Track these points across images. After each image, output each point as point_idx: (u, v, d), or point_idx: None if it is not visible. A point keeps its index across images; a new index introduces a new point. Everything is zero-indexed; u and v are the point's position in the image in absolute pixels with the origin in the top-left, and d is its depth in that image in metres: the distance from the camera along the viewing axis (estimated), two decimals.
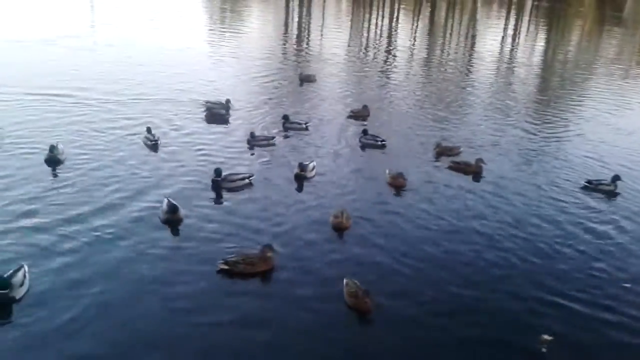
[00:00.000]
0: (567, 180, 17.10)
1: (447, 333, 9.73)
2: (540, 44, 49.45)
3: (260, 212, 13.38)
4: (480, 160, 16.84)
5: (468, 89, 29.03)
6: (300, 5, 61.62)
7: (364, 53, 37.18)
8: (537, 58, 41.81)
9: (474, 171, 16.71)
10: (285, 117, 19.61)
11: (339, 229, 12.68)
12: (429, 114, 23.13)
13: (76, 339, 8.85)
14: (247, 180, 14.62)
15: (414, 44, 42.99)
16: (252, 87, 24.82)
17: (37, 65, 25.44)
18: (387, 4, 68.58)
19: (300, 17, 53.59)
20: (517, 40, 49.54)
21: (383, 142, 18.54)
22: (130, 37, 34.39)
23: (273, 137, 18.13)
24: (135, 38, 34.19)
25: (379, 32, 48.42)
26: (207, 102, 20.96)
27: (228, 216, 13.04)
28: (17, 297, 9.49)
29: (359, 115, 21.53)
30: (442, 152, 17.95)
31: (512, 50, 44.26)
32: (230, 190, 14.28)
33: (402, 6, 68.73)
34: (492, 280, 11.38)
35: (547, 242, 13.08)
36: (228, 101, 20.72)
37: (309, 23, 50.81)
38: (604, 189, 16.20)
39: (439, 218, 13.86)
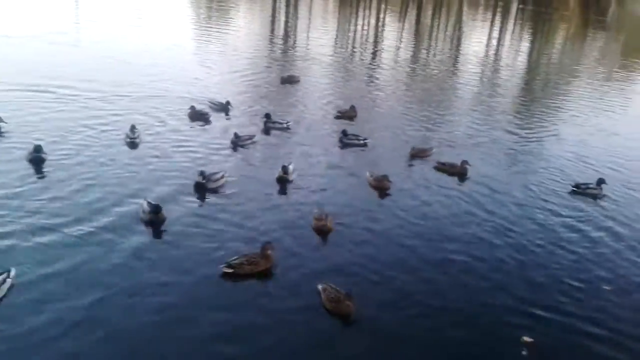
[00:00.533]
0: (553, 180, 17.28)
1: (430, 335, 9.72)
2: (525, 46, 49.86)
3: (243, 214, 13.15)
4: (465, 162, 16.83)
5: (454, 89, 29.21)
6: (287, 5, 61.51)
7: (350, 53, 37.20)
8: (521, 60, 42.14)
9: (459, 172, 16.72)
10: (267, 116, 19.48)
11: (322, 232, 12.54)
12: (414, 115, 23.19)
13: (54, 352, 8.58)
14: (225, 177, 14.46)
15: (400, 45, 43.10)
16: (236, 87, 24.65)
17: (21, 61, 25.04)
18: (374, 5, 68.72)
19: (287, 17, 53.49)
20: (502, 43, 49.91)
21: (365, 141, 18.52)
22: (115, 34, 34.06)
23: (254, 136, 17.99)
24: (120, 35, 33.86)
25: (365, 32, 48.49)
26: (210, 101, 20.89)
27: (211, 220, 12.78)
28: None
29: (346, 115, 21.49)
30: (415, 154, 17.86)
31: (497, 52, 44.59)
32: (213, 191, 14.08)
33: (388, 7, 68.90)
34: (477, 283, 11.39)
35: (534, 245, 13.12)
36: (228, 102, 20.63)
37: (296, 22, 50.74)
38: (591, 192, 16.23)
39: (424, 220, 13.82)
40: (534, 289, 11.31)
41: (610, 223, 14.79)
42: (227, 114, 20.42)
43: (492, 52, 44.49)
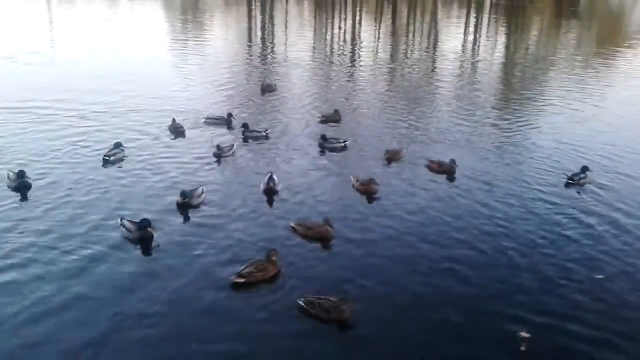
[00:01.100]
0: (542, 170, 17.33)
1: (427, 332, 9.62)
2: (502, 40, 50.31)
3: (232, 229, 12.71)
4: (453, 161, 16.60)
5: (434, 87, 29.30)
6: (263, 12, 61.53)
7: (329, 57, 37.21)
8: (499, 54, 42.47)
9: (448, 171, 16.55)
10: (245, 126, 19.29)
11: (326, 239, 12.39)
12: (397, 115, 23.15)
13: None
14: (205, 192, 14.10)
15: (377, 46, 43.23)
16: (214, 98, 24.39)
17: None
18: (350, 8, 68.98)
19: (263, 24, 53.47)
20: (478, 38, 50.29)
21: (345, 144, 18.48)
22: (91, 51, 33.73)
23: (233, 146, 17.79)
24: (96, 52, 33.55)
25: (342, 35, 48.58)
26: (208, 117, 20.69)
27: (201, 236, 12.38)
28: None
29: (331, 119, 21.40)
30: (391, 157, 17.55)
31: (474, 47, 44.88)
32: (197, 207, 13.70)
33: (364, 9, 69.22)
34: (475, 279, 11.25)
35: (536, 240, 12.94)
36: (230, 115, 20.38)
37: (272, 29, 50.73)
38: (582, 182, 16.19)
39: (418, 223, 13.52)
40: (536, 285, 11.18)
41: (605, 210, 14.73)
42: (230, 128, 20.18)
43: (469, 47, 44.78)
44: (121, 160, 16.55)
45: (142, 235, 11.90)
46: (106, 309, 9.85)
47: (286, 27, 52.11)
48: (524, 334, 9.35)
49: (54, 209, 13.36)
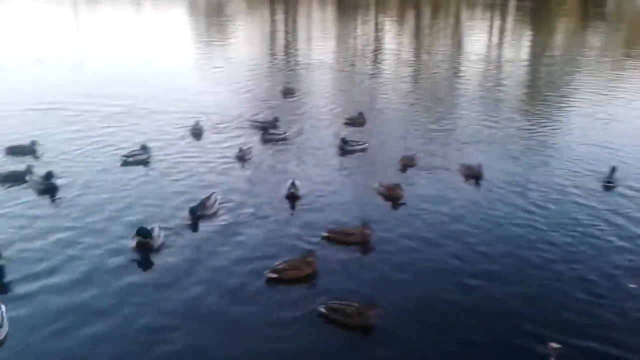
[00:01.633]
0: (572, 171, 17.04)
1: (452, 340, 9.35)
2: (527, 42, 49.63)
3: (255, 236, 12.56)
4: (479, 165, 16.21)
5: (459, 90, 28.93)
6: (286, 16, 61.67)
7: (352, 60, 37.08)
8: (524, 56, 41.85)
9: (476, 175, 16.08)
10: (265, 128, 19.26)
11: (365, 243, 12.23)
12: (422, 117, 22.94)
13: None
14: (216, 199, 13.62)
15: (400, 50, 42.93)
16: (236, 101, 24.44)
17: (26, 83, 25.26)
18: (372, 11, 68.75)
19: (286, 27, 53.59)
20: (503, 40, 49.70)
21: (365, 146, 18.40)
22: (116, 53, 34.28)
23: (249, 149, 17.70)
24: (121, 55, 34.06)
25: (365, 39, 48.38)
26: (254, 121, 20.73)
27: (214, 244, 12.14)
28: None
29: (355, 122, 21.24)
30: (406, 163, 17.07)
31: (498, 50, 44.34)
32: (214, 215, 13.25)
33: (386, 12, 68.92)
34: (502, 293, 10.79)
35: (571, 243, 12.65)
36: (276, 119, 20.31)
37: (295, 33, 50.82)
38: (616, 183, 15.87)
39: (443, 230, 13.11)
40: (572, 292, 10.84)
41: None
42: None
43: (493, 50, 44.25)
44: (143, 162, 16.60)
45: (140, 243, 11.62)
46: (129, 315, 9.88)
47: (309, 31, 52.17)
48: (554, 345, 9.00)
49: (73, 211, 13.45)
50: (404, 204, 14.42)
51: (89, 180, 15.22)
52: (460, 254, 12.03)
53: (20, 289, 10.31)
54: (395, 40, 48.31)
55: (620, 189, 15.76)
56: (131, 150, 16.97)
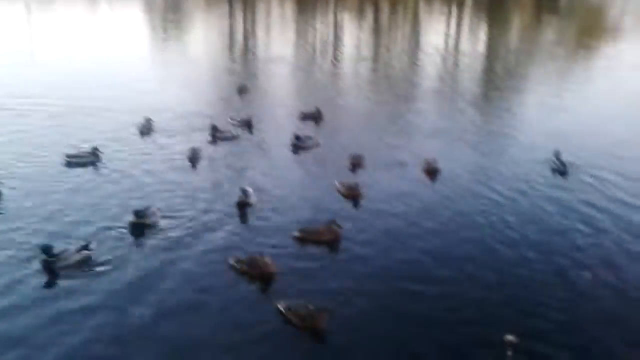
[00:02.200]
0: (527, 158, 17.50)
1: (408, 339, 9.24)
2: (483, 36, 50.42)
3: (198, 252, 11.54)
4: (434, 160, 16.24)
5: (417, 84, 29.19)
6: (244, 13, 60.96)
7: (311, 56, 36.90)
8: (480, 49, 42.50)
9: (432, 169, 16.04)
10: (214, 128, 18.73)
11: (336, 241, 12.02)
12: (380, 113, 22.90)
13: None
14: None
15: (359, 45, 43.00)
16: (190, 99, 23.82)
17: None
18: (331, 8, 68.58)
19: (244, 24, 52.95)
20: (460, 34, 50.29)
21: (316, 142, 18.20)
22: (69, 52, 33.34)
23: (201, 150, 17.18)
24: (74, 54, 33.09)
25: (324, 35, 48.20)
26: (232, 118, 20.37)
27: (155, 259, 11.17)
28: None
29: (311, 116, 21.03)
30: (354, 163, 16.52)
31: (456, 43, 44.82)
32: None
33: (345, 9, 68.85)
34: (459, 280, 10.87)
35: (527, 233, 12.80)
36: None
37: (253, 30, 50.28)
38: (565, 168, 16.42)
39: (405, 224, 13.02)
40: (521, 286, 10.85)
41: (591, 197, 14.86)
42: (250, 130, 19.80)
43: (451, 43, 44.70)
44: (88, 164, 15.93)
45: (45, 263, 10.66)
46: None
47: (267, 27, 51.72)
48: (511, 337, 8.95)
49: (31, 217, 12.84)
50: (361, 202, 14.12)
51: (25, 182, 14.58)
52: (419, 252, 11.87)
53: None
54: (353, 36, 48.32)
55: (570, 173, 16.28)
56: (78, 151, 16.37)
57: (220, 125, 19.05)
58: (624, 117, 22.85)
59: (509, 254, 11.86)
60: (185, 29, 47.00)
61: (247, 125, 20.19)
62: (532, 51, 40.43)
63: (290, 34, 47.34)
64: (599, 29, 56.94)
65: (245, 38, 44.86)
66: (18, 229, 12.14)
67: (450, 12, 67.28)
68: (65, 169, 15.74)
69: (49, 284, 10.37)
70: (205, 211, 13.33)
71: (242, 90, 25.10)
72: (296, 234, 12.14)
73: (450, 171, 16.20)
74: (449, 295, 10.33)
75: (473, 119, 22.36)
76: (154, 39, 41.43)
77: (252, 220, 13.11)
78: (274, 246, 11.74)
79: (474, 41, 46.40)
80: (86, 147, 16.55)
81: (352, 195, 14.29)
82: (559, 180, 16.00)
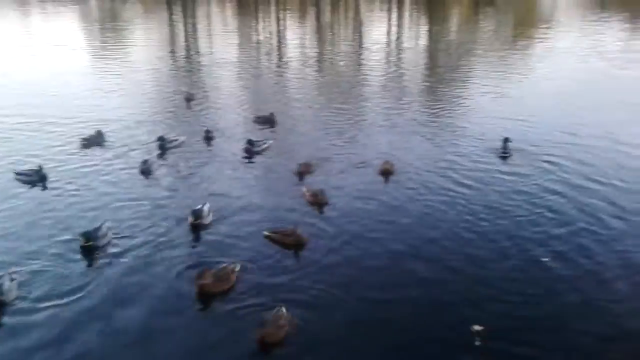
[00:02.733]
0: (470, 146, 18.26)
1: (370, 340, 9.17)
2: (424, 30, 51.41)
3: (164, 270, 11.03)
4: (387, 162, 16.18)
5: (363, 81, 29.35)
6: (185, 17, 59.90)
7: (255, 59, 36.53)
8: (422, 44, 43.27)
9: (387, 171, 15.91)
10: (161, 139, 18.03)
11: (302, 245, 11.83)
12: (331, 113, 22.75)
13: None
14: (110, 228, 11.78)
15: (303, 45, 42.95)
16: (139, 109, 23.10)
17: None
18: (273, 8, 68.29)
19: (185, 28, 51.97)
20: (401, 31, 50.98)
21: (268, 144, 18.04)
22: (4, 63, 31.82)
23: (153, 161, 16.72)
24: (10, 64, 31.66)
25: (267, 36, 47.93)
26: (255, 116, 20.72)
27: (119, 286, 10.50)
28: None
29: (265, 121, 20.78)
30: (303, 171, 16.11)
31: (398, 40, 45.39)
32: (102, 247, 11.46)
33: (287, 10, 68.71)
34: (418, 276, 10.95)
35: (482, 220, 13.12)
36: (272, 114, 20.79)
37: (195, 34, 49.47)
38: (510, 152, 17.27)
39: (368, 227, 12.89)
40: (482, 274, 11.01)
41: (536, 178, 15.60)
42: (272, 126, 19.88)
43: (393, 39, 45.27)
44: (35, 181, 15.26)
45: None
46: None
47: (209, 30, 50.94)
48: (477, 327, 9.09)
49: None
50: (325, 210, 13.74)
51: None
52: (385, 255, 11.73)
53: None
54: (297, 36, 48.28)
55: (514, 158, 17.05)
56: (24, 169, 15.72)
57: (166, 134, 18.56)
58: (563, 101, 24.11)
59: (476, 249, 11.93)
60: (124, 37, 45.66)
61: (270, 122, 20.21)
62: (472, 43, 41.43)
63: (233, 37, 46.74)
64: (534, 19, 58.99)
65: (187, 43, 44.05)
66: None
67: (390, 9, 68.18)
68: (14, 185, 15.10)
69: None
70: (161, 226, 12.77)
71: (189, 98, 24.57)
72: (266, 232, 12.15)
73: (406, 167, 16.33)
74: (417, 296, 10.35)
75: (422, 112, 22.82)
76: (93, 49, 40.07)
77: (212, 230, 12.69)
78: (236, 255, 11.46)
79: (416, 36, 47.17)
80: (33, 165, 15.86)
81: (318, 201, 13.99)
82: (509, 166, 16.56)
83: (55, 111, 22.29)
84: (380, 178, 15.70)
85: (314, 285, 10.55)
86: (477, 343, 8.87)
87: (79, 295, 10.16)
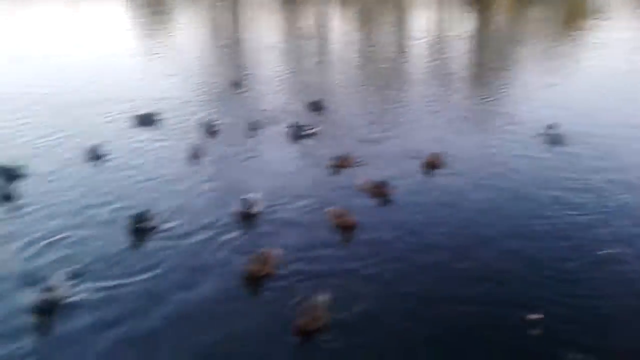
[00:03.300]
0: (521, 133, 17.85)
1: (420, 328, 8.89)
2: (471, 19, 50.35)
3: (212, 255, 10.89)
4: (434, 154, 15.48)
5: (410, 69, 29.19)
6: (231, 4, 60.20)
7: (299, 47, 36.31)
8: (469, 32, 42.38)
9: (434, 163, 15.19)
10: (204, 123, 18.22)
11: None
12: (378, 99, 22.54)
13: None
14: (156, 215, 11.97)
15: (348, 33, 42.67)
16: (184, 92, 23.40)
17: None
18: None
19: (232, 16, 52.26)
20: (446, 19, 50.19)
21: (315, 130, 17.94)
22: (56, 47, 32.75)
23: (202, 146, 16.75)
24: (61, 48, 32.52)
25: (311, 24, 47.82)
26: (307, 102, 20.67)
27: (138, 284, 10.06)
28: None
29: (314, 107, 20.76)
30: (340, 164, 15.40)
31: (443, 28, 44.59)
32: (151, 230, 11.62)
33: None
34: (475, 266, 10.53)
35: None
36: (322, 100, 20.66)
37: (240, 21, 49.66)
38: (558, 138, 17.08)
39: (426, 219, 12.38)
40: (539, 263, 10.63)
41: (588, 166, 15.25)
42: (321, 112, 20.16)
43: (438, 28, 44.59)
44: (92, 158, 15.81)
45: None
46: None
47: (254, 17, 51.06)
48: (534, 316, 8.77)
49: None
50: (390, 200, 13.25)
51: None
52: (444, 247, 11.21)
53: None
54: (341, 23, 47.95)
55: (564, 146, 16.70)
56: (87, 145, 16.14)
57: (299, 122, 18.23)
58: (613, 89, 23.74)
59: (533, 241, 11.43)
60: (170, 22, 46.27)
61: (319, 107, 20.39)
62: (520, 32, 40.42)
63: (277, 24, 46.82)
64: (584, 10, 57.13)
65: (235, 28, 44.28)
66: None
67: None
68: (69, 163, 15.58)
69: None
70: (208, 210, 12.67)
71: (236, 83, 24.69)
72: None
73: (457, 157, 15.83)
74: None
75: (470, 100, 22.62)
76: (140, 34, 40.74)
77: (261, 216, 12.43)
78: (285, 241, 11.32)
79: (462, 25, 46.23)
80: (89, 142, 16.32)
81: (378, 193, 13.46)
82: (559, 151, 16.33)
83: (108, 90, 23.12)
84: (428, 169, 15.27)
85: (360, 271, 10.35)
86: (535, 332, 8.60)
87: (129, 278, 10.16)
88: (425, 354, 8.39)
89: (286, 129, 18.07)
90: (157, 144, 17.26)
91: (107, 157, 15.91)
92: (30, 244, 11.19)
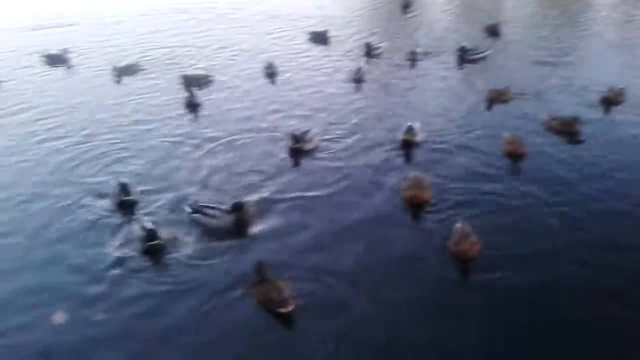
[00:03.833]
0: None
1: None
2: None
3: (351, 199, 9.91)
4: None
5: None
6: None
7: None
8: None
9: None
10: (462, 49, 17.18)
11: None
12: (554, 31, 20.48)
13: None
14: (315, 133, 12.01)
15: None
16: (356, 12, 23.47)
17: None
18: None
19: None
20: None
21: (484, 53, 17.07)
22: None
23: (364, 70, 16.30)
24: None
25: None
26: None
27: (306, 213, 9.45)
28: None
29: (490, 31, 19.90)
30: (494, 98, 13.98)
31: None
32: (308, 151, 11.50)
33: None
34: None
35: None
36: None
37: None
38: None
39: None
40: None
41: None
42: (496, 37, 19.53)
43: None
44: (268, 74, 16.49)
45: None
46: None
47: None
48: None
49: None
50: (581, 141, 11.77)
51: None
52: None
53: None
54: None
55: None
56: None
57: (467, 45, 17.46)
58: None
59: None
60: None
61: (495, 32, 19.71)
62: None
63: None
64: None
65: None
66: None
67: None
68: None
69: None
70: (367, 137, 12.24)
71: (406, 5, 23.89)
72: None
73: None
74: None
75: None
76: None
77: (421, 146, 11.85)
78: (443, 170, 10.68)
79: None
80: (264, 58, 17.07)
81: (567, 130, 12.01)
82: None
83: (282, 7, 24.27)
84: (607, 106, 13.29)
85: (516, 209, 9.28)
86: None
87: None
88: (595, 303, 7.30)
89: (455, 53, 17.34)
90: (328, 64, 17.46)
91: (280, 71, 16.49)
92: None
